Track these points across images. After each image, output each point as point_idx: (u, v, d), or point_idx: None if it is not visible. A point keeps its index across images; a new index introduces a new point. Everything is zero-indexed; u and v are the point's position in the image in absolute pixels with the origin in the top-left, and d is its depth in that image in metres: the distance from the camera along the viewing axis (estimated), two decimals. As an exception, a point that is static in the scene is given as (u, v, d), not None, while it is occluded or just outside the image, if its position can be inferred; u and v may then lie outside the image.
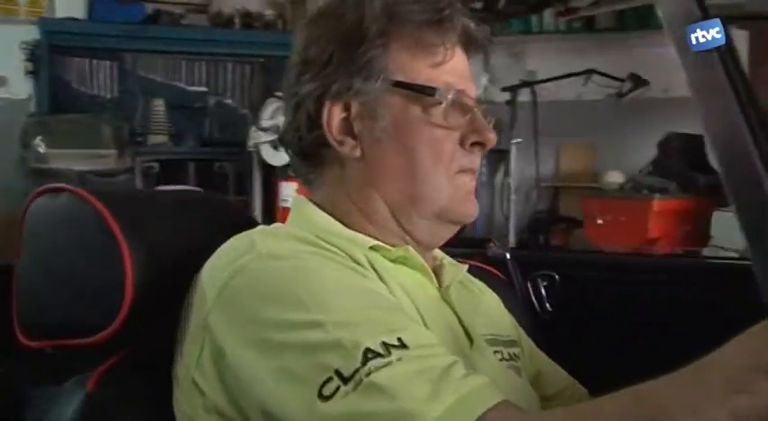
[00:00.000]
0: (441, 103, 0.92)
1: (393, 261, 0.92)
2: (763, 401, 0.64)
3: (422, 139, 0.92)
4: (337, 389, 0.73)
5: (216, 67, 4.73)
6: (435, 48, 0.93)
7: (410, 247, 0.94)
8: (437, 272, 0.99)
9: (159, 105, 4.46)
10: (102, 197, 0.93)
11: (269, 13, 4.81)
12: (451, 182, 0.94)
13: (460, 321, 0.95)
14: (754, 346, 0.66)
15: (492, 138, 0.95)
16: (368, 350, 0.74)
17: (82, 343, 0.90)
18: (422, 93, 0.92)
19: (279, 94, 2.80)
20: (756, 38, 4.93)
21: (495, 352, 0.98)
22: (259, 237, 0.88)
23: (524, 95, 4.64)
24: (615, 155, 4.76)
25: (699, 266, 1.99)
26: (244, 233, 0.91)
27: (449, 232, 0.98)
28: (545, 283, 1.44)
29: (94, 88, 4.52)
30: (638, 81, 4.35)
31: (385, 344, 0.74)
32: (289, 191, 3.71)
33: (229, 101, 4.76)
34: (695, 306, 1.58)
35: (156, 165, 4.35)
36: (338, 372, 0.73)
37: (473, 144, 0.94)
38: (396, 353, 0.74)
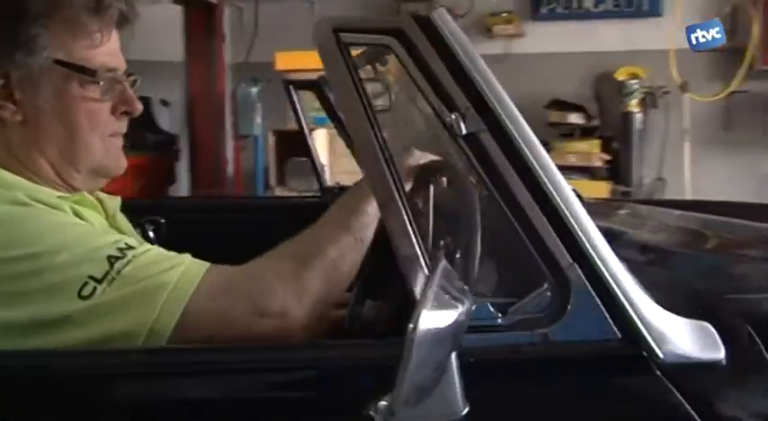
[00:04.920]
0: (98, 83, 1.07)
1: (73, 203, 1.07)
2: (346, 253, 1.01)
3: (80, 111, 1.07)
4: (94, 289, 0.93)
5: None
6: (93, 33, 1.06)
7: (85, 193, 1.11)
8: (102, 205, 1.17)
9: None
10: None
11: None
12: (105, 144, 1.10)
13: None
14: (342, 213, 1.05)
15: (139, 107, 1.13)
16: (110, 256, 0.96)
17: None
18: (81, 72, 1.05)
19: None
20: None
21: None
22: None
23: None
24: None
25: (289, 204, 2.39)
26: None
27: (103, 183, 1.16)
28: (152, 228, 1.56)
29: None
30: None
31: (120, 250, 0.97)
32: None
33: None
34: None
35: None
36: (92, 277, 0.94)
37: (123, 113, 1.12)
38: (130, 253, 0.97)
